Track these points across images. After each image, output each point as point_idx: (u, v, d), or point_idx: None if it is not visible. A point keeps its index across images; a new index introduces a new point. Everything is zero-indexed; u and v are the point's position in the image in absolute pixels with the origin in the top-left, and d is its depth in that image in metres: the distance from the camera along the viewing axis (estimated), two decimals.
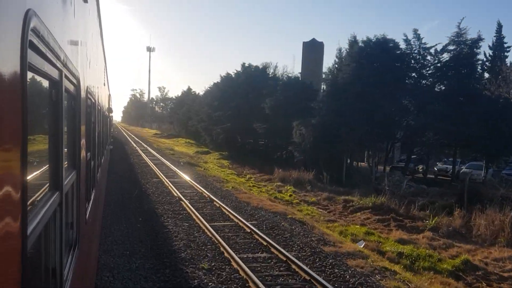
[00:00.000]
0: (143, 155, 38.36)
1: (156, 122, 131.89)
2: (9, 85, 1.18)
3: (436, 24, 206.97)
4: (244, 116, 46.50)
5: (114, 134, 55.89)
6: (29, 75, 1.42)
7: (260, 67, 52.08)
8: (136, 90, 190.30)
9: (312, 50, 72.99)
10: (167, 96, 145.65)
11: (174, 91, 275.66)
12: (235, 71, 53.80)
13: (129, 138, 70.11)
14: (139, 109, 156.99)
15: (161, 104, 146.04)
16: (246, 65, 52.28)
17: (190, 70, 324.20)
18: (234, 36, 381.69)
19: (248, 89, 48.23)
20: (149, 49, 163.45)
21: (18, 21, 1.26)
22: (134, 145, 53.39)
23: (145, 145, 52.99)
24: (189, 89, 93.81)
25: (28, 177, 1.43)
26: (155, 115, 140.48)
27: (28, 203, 1.44)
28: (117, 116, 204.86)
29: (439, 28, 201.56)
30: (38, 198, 1.80)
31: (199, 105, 66.18)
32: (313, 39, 77.24)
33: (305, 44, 76.37)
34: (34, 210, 1.64)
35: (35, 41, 1.46)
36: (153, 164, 30.13)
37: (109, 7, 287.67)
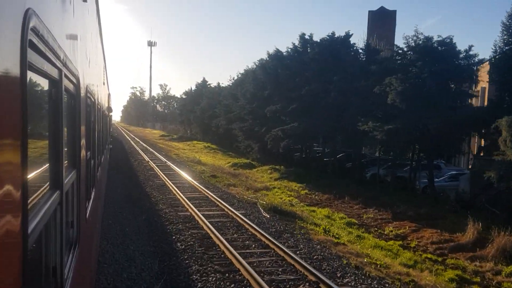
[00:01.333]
0: (169, 183, 21.04)
1: (159, 122, 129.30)
2: (9, 84, 1.18)
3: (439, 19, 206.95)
4: (326, 110, 29.79)
5: (114, 135, 52.54)
6: (29, 74, 1.43)
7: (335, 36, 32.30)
8: (136, 88, 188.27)
9: (381, 21, 62.87)
10: (169, 94, 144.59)
11: (174, 91, 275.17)
12: (292, 45, 35.11)
13: (132, 143, 54.41)
14: (139, 108, 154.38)
15: (163, 102, 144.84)
16: (307, 37, 34.07)
17: (190, 70, 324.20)
18: (234, 36, 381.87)
19: (327, 68, 30.45)
20: (151, 43, 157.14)
21: (18, 21, 1.27)
22: (144, 155, 37.26)
23: (159, 155, 37.06)
24: (204, 80, 76.86)
25: (29, 176, 1.44)
26: (157, 114, 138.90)
27: (29, 202, 1.45)
28: (116, 115, 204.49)
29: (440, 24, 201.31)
30: (38, 197, 1.81)
31: (228, 98, 48.00)
32: (382, 7, 66.85)
33: (372, 14, 66.02)
34: (35, 209, 1.65)
35: (35, 40, 1.46)
36: (211, 224, 12.78)
37: (108, 6, 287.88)
